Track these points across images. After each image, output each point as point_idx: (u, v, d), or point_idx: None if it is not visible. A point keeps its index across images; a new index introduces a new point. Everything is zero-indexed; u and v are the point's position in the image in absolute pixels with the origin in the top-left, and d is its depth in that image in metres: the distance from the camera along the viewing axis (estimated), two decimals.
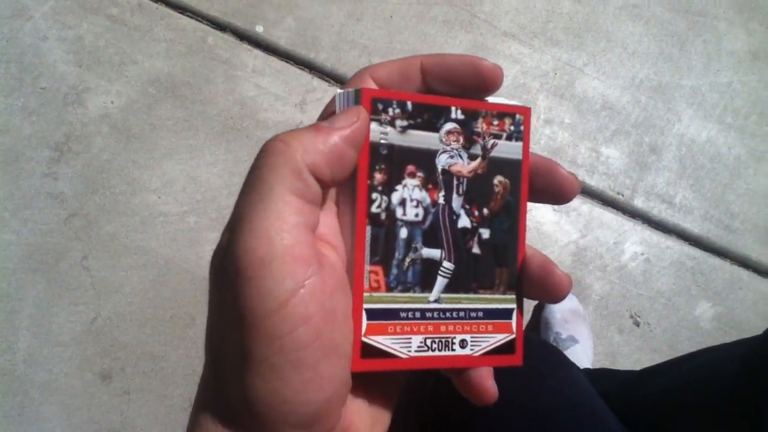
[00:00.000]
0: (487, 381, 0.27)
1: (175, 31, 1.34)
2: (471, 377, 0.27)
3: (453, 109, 0.27)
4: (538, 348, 0.86)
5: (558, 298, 0.27)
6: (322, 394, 0.22)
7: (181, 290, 1.25)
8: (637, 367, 1.05)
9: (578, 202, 1.36)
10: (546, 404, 0.60)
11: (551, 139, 1.38)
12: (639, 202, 1.38)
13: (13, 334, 1.21)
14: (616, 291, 1.34)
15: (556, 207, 1.35)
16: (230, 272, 0.21)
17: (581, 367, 1.19)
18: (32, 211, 1.25)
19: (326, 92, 1.36)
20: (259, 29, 1.35)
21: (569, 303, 1.29)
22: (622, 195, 1.38)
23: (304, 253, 0.22)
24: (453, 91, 0.27)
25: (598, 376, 1.13)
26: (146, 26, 1.33)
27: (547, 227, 1.34)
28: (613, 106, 1.41)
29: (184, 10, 1.35)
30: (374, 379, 0.26)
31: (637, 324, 1.33)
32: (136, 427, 1.19)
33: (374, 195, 0.25)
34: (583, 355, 1.22)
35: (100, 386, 1.21)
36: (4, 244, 1.23)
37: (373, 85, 0.27)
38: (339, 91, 0.26)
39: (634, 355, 1.32)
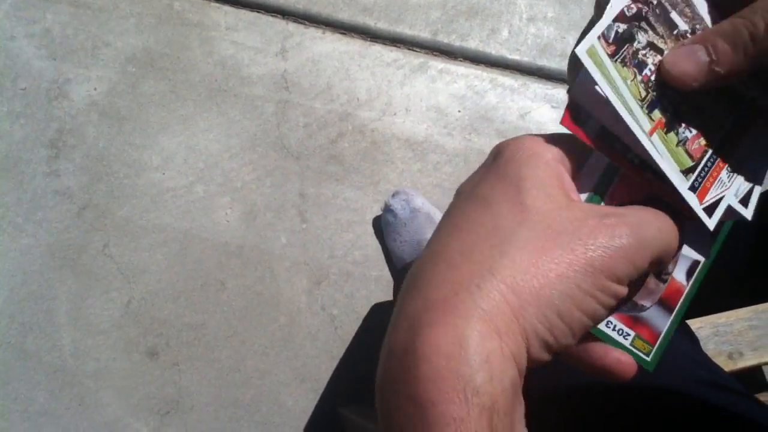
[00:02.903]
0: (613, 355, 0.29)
1: (141, 4, 1.31)
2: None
3: None
4: None
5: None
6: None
7: (204, 258, 1.27)
8: None
9: None
10: None
11: (537, 36, 1.36)
12: None
13: (55, 332, 1.24)
14: None
15: (554, 103, 1.35)
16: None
17: None
18: (43, 211, 1.26)
19: (304, 35, 1.34)
20: None
21: None
22: None
23: None
24: None
25: None
26: (110, 5, 1.31)
27: (550, 126, 1.34)
28: None
29: None
30: None
31: None
32: (191, 393, 1.24)
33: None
34: None
35: (149, 364, 1.25)
36: (24, 248, 1.25)
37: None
38: None
39: None
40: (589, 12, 1.51)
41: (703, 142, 0.30)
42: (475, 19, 1.37)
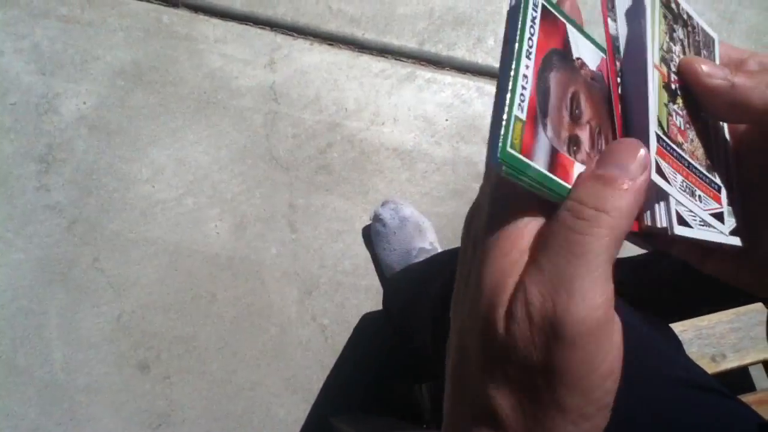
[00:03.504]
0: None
1: (129, 18, 1.32)
2: None
3: None
4: None
5: None
6: (606, 419, 0.26)
7: (195, 271, 1.27)
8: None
9: None
10: None
11: None
12: None
13: (45, 347, 1.24)
14: None
15: None
16: (554, 336, 0.24)
17: None
18: (34, 226, 1.26)
19: (292, 47, 1.34)
20: None
21: None
22: None
23: (615, 321, 0.25)
24: None
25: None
26: (99, 19, 1.31)
27: None
28: None
29: None
30: None
31: None
32: (183, 406, 1.23)
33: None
34: None
35: (141, 377, 1.24)
36: (15, 263, 1.25)
37: None
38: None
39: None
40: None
41: (688, 137, 0.28)
42: (461, 28, 1.39)
